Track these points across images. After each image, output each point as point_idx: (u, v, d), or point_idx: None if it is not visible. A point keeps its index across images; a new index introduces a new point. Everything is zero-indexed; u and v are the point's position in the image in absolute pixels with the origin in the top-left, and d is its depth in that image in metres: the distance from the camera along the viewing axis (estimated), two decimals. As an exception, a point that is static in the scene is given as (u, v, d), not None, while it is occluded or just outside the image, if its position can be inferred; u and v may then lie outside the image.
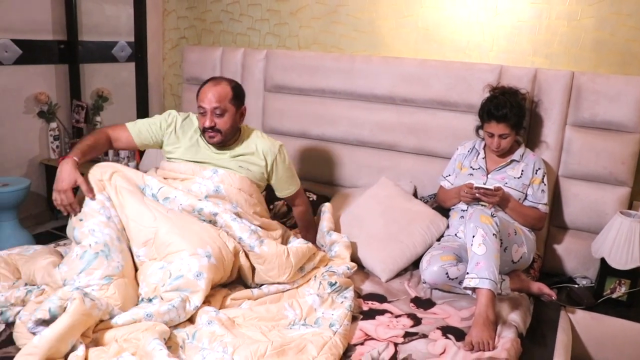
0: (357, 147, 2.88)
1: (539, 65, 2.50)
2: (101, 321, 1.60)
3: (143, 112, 3.63)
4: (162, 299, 1.70)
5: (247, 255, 1.95)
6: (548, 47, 2.49)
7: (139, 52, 3.53)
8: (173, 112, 2.25)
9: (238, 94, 2.14)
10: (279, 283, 1.95)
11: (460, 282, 1.99)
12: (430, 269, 2.06)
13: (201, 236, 1.84)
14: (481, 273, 1.84)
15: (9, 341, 1.56)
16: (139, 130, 2.17)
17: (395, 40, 2.83)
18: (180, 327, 1.67)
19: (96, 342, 1.55)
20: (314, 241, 2.28)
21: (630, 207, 2.41)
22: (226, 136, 2.12)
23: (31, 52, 3.46)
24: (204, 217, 1.96)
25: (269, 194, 2.81)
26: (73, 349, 1.45)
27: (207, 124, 2.06)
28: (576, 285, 2.36)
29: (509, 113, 2.19)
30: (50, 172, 3.60)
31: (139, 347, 1.47)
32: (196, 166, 2.12)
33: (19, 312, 1.63)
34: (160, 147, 2.22)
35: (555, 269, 2.49)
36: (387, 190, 2.54)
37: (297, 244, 2.07)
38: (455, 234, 2.30)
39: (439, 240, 2.35)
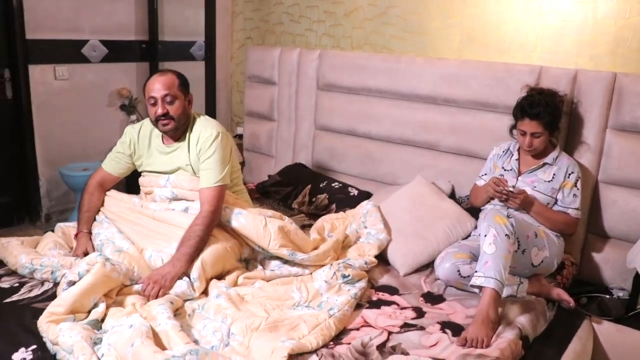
0: (400, 145, 2.93)
1: (583, 67, 2.42)
2: (125, 286, 1.82)
3: (210, 107, 3.91)
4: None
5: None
6: (593, 47, 2.40)
7: (208, 52, 3.81)
8: (128, 128, 2.34)
9: (184, 82, 2.21)
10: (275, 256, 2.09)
11: None
12: (443, 266, 2.11)
13: (184, 228, 2.00)
14: (488, 272, 1.85)
15: (53, 296, 1.82)
16: (111, 165, 2.31)
17: (442, 41, 2.85)
18: (195, 299, 1.86)
19: (119, 304, 1.77)
20: (183, 260, 1.89)
21: (677, 218, 2.28)
22: (179, 122, 2.16)
23: (116, 51, 3.85)
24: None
25: (313, 186, 2.96)
26: (95, 305, 1.69)
27: (160, 111, 2.11)
28: (607, 296, 2.27)
29: (543, 112, 2.15)
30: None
31: (150, 312, 1.67)
32: (153, 177, 2.26)
33: (64, 274, 1.90)
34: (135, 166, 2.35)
35: (591, 278, 2.41)
36: (420, 188, 2.58)
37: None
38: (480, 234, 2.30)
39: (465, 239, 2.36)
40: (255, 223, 2.07)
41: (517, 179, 2.28)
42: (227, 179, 2.18)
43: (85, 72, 3.74)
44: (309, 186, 2.98)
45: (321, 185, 2.97)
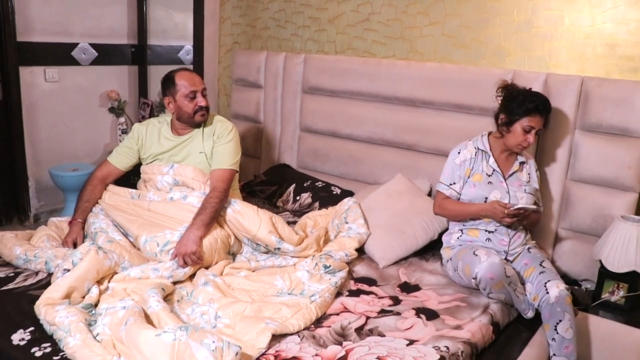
0: (380, 146, 3.05)
1: (554, 70, 2.56)
2: (115, 273, 1.91)
3: (198, 109, 4.00)
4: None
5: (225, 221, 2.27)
6: (563, 52, 2.54)
7: (196, 56, 3.90)
8: (136, 125, 2.55)
9: None
10: (260, 241, 2.21)
11: (510, 283, 2.00)
12: (491, 261, 1.98)
13: (177, 218, 2.16)
14: (572, 356, 1.95)
15: (48, 285, 1.89)
16: (118, 159, 2.48)
17: (421, 46, 2.98)
18: (183, 285, 1.96)
19: (112, 291, 1.85)
20: (201, 224, 2.10)
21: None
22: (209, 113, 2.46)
23: (105, 54, 3.94)
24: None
25: (298, 185, 3.07)
26: (89, 291, 1.78)
27: (204, 103, 2.39)
28: (576, 287, 2.40)
29: (550, 108, 2.19)
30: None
31: (142, 296, 1.76)
32: (157, 165, 2.42)
33: (58, 264, 1.98)
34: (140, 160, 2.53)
35: (562, 271, 2.53)
36: (399, 186, 2.70)
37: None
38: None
39: (440, 238, 2.46)
40: (248, 209, 2.25)
41: (506, 184, 2.26)
42: (237, 167, 2.44)
43: (74, 75, 3.82)
44: (293, 185, 3.09)
45: (305, 185, 3.07)
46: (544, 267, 2.12)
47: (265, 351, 1.59)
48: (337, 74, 3.12)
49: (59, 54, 3.71)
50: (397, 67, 2.91)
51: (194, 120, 2.42)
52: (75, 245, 2.16)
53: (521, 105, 2.16)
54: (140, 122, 4.04)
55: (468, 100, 2.68)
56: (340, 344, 1.68)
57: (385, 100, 2.98)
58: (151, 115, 4.12)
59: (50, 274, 1.99)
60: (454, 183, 2.31)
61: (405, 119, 2.91)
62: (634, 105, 2.27)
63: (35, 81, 3.64)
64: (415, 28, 2.98)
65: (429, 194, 2.80)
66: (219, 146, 2.40)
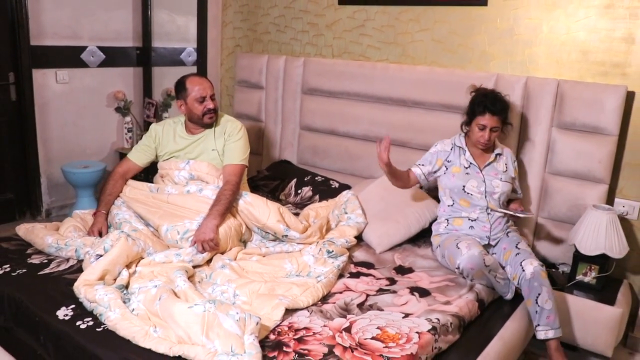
0: (375, 143, 3.27)
1: (534, 74, 2.81)
2: (141, 258, 2.14)
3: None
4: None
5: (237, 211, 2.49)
6: (542, 57, 2.79)
7: (199, 58, 4.11)
8: (153, 125, 2.78)
9: None
10: (269, 229, 2.44)
11: (490, 271, 2.22)
12: (471, 254, 2.21)
13: (194, 209, 2.39)
14: (554, 324, 2.14)
15: (80, 270, 2.12)
16: (137, 156, 2.70)
17: (412, 50, 3.21)
18: (201, 268, 2.18)
19: (140, 274, 2.07)
20: (217, 214, 2.32)
21: (612, 204, 2.68)
22: (216, 114, 2.68)
23: (112, 57, 4.14)
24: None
25: (298, 180, 3.29)
26: (120, 274, 2.00)
27: (212, 106, 2.62)
28: (554, 270, 2.65)
29: (503, 108, 2.43)
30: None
31: (168, 277, 1.98)
32: (173, 161, 2.64)
33: (87, 251, 2.20)
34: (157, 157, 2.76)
35: (541, 256, 2.78)
36: (393, 180, 2.93)
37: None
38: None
39: (431, 227, 2.70)
40: (259, 200, 2.48)
41: (482, 174, 2.49)
42: (247, 162, 2.67)
43: (83, 76, 4.03)
44: (295, 180, 3.32)
45: (305, 179, 3.30)
46: (519, 248, 2.35)
47: (280, 323, 1.82)
48: (334, 76, 3.35)
49: (69, 57, 3.91)
50: (390, 70, 3.14)
51: (202, 121, 2.63)
52: (100, 235, 2.38)
53: (475, 106, 2.45)
54: (146, 121, 4.31)
55: (456, 100, 2.91)
56: (344, 316, 1.92)
57: (379, 100, 3.21)
58: (155, 114, 4.33)
59: (80, 261, 2.21)
60: (423, 165, 2.63)
61: (398, 118, 3.14)
62: (604, 106, 2.52)
63: (47, 83, 3.84)
64: (407, 34, 3.22)
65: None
66: (230, 144, 2.62)
